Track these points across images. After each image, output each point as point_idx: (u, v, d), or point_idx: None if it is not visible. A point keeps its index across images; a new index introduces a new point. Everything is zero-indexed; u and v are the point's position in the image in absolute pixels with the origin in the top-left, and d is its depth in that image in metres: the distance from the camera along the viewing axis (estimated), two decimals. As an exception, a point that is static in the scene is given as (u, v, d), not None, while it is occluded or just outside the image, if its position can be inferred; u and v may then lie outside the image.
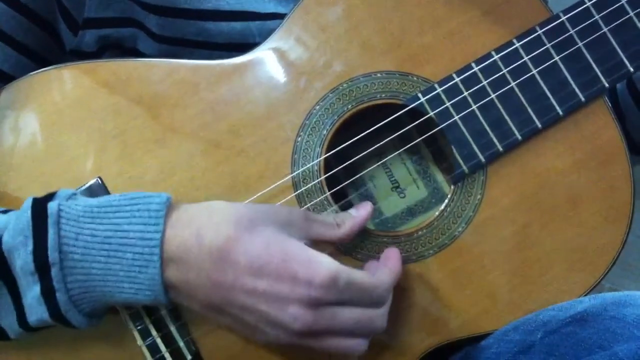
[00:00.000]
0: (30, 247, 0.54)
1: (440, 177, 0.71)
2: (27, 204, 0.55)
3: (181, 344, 0.62)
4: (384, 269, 0.60)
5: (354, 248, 0.64)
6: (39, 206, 0.55)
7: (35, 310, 0.55)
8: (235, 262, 0.54)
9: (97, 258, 0.54)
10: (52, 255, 0.54)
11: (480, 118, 0.65)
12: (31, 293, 0.55)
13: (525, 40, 0.65)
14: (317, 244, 0.59)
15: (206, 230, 0.55)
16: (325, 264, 0.55)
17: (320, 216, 0.61)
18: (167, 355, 0.62)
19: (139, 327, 0.61)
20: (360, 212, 0.62)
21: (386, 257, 0.62)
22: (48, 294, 0.54)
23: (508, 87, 0.65)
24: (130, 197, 0.56)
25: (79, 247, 0.54)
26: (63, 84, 0.63)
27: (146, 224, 0.54)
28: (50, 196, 0.56)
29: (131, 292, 0.55)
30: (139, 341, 0.61)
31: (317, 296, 0.54)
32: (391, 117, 0.65)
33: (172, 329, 0.62)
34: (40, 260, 0.54)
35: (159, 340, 0.61)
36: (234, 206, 0.57)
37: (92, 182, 0.61)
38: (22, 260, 0.54)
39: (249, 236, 0.55)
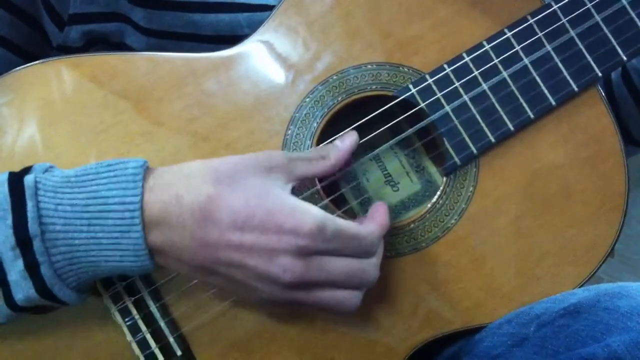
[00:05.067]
0: (9, 220, 0.53)
1: (433, 170, 0.71)
2: (3, 179, 0.54)
3: (171, 339, 0.61)
4: (371, 220, 0.60)
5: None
6: (16, 180, 0.54)
7: (21, 286, 0.54)
8: (218, 220, 0.53)
9: (78, 227, 0.54)
10: (32, 227, 0.53)
11: (472, 109, 0.64)
12: (15, 269, 0.54)
13: (516, 30, 0.65)
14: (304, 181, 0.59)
15: (185, 191, 0.54)
16: (311, 213, 0.54)
17: (302, 153, 0.60)
18: (157, 351, 0.61)
19: (128, 323, 0.61)
20: (345, 142, 0.61)
21: (373, 210, 0.62)
22: (32, 268, 0.53)
23: (500, 77, 0.64)
24: (107, 164, 0.55)
25: (59, 218, 0.53)
26: (49, 79, 0.62)
27: (124, 188, 0.54)
28: (26, 170, 0.56)
29: (116, 260, 0.54)
30: (129, 337, 0.61)
31: (305, 245, 0.54)
32: (382, 109, 0.64)
33: (162, 324, 0.61)
34: (20, 234, 0.53)
35: (148, 336, 0.61)
36: (210, 164, 0.56)
37: (79, 177, 0.61)
38: (2, 235, 0.53)
39: (229, 191, 0.54)
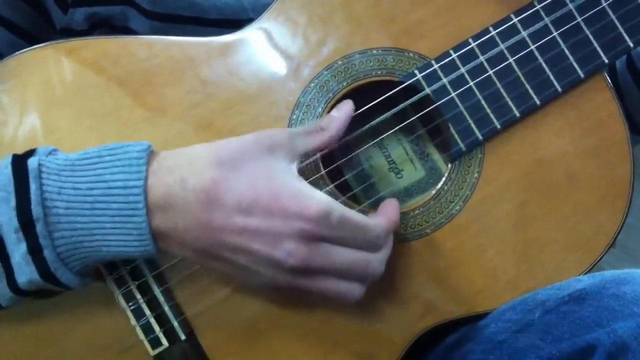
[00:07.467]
0: (12, 203, 0.53)
1: (437, 157, 0.70)
2: (7, 161, 0.54)
3: (175, 323, 0.61)
4: (380, 214, 0.60)
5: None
6: (19, 162, 0.54)
7: (24, 269, 0.54)
8: (222, 203, 0.53)
9: (81, 211, 0.53)
10: (36, 209, 0.53)
11: (478, 95, 0.64)
12: (18, 252, 0.53)
13: (523, 16, 0.64)
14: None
15: (189, 175, 0.54)
16: (316, 197, 0.54)
17: (301, 128, 0.60)
18: (160, 335, 0.61)
19: (132, 307, 0.61)
20: (341, 111, 0.61)
21: (384, 205, 0.62)
22: (35, 251, 0.53)
23: (506, 63, 0.64)
24: (110, 148, 0.55)
25: (62, 201, 0.53)
26: (50, 63, 0.62)
27: (128, 172, 0.53)
28: (30, 153, 0.55)
29: (119, 244, 0.54)
30: (133, 321, 0.61)
31: (309, 229, 0.53)
32: (387, 95, 0.64)
33: (166, 308, 0.61)
34: (23, 216, 0.53)
35: (152, 320, 0.61)
36: (214, 147, 0.56)
37: (83, 161, 0.60)
38: (5, 217, 0.53)
39: (234, 175, 0.54)
